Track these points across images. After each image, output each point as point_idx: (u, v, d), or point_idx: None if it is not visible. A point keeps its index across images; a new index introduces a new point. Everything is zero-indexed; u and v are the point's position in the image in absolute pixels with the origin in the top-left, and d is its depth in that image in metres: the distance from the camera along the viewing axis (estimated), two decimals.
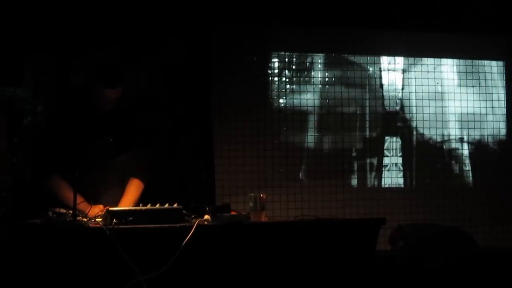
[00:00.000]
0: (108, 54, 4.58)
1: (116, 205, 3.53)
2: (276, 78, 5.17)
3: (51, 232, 2.86)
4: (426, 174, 5.38)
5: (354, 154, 5.23)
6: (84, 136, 3.50)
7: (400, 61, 5.40)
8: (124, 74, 3.64)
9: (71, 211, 3.02)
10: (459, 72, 5.48)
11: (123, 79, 3.59)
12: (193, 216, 3.19)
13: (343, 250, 3.22)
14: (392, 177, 5.32)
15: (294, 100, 5.18)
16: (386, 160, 5.32)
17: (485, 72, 5.53)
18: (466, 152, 5.45)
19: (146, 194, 3.73)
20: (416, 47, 5.40)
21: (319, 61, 5.25)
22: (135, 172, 3.74)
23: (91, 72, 3.70)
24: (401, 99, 5.38)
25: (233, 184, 4.95)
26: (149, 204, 3.17)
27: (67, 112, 3.67)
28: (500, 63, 5.56)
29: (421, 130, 5.41)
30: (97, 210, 3.38)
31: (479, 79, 5.51)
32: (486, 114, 5.51)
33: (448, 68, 5.47)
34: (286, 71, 5.19)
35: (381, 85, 5.35)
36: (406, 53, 5.40)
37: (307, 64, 5.23)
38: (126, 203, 3.61)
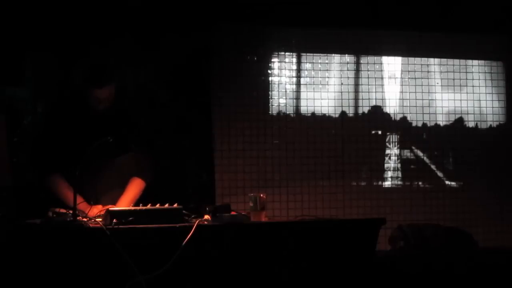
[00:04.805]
0: (107, 53, 4.57)
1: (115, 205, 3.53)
2: (276, 78, 5.17)
3: (51, 232, 2.86)
4: (427, 174, 5.38)
5: (354, 154, 5.22)
6: (81, 136, 3.50)
7: (400, 61, 5.40)
8: (112, 75, 3.61)
9: (71, 211, 3.02)
10: (459, 72, 5.48)
11: (111, 78, 3.57)
12: (193, 216, 3.18)
13: (343, 250, 3.22)
14: (392, 177, 5.32)
15: (294, 100, 5.18)
16: (386, 160, 5.32)
17: (485, 72, 5.53)
18: (466, 152, 5.44)
19: (146, 194, 3.73)
20: (415, 47, 5.40)
21: (319, 61, 5.25)
22: (136, 171, 3.74)
23: (80, 75, 3.68)
24: (401, 99, 5.38)
25: (233, 184, 4.95)
26: (149, 204, 3.17)
27: (63, 112, 3.67)
28: (500, 63, 5.56)
29: (421, 131, 5.41)
30: (96, 210, 3.39)
31: (479, 79, 5.51)
32: (486, 114, 5.51)
33: (448, 68, 5.47)
34: (286, 71, 5.20)
35: (381, 85, 5.36)
36: (406, 53, 5.40)
37: (307, 64, 5.23)
38: (125, 201, 3.61)
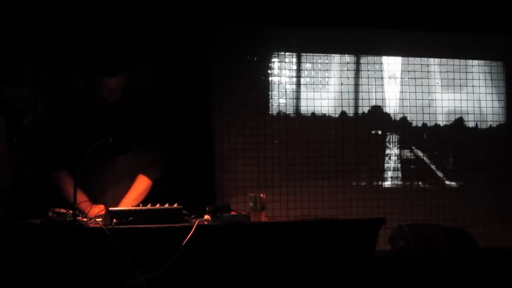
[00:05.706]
0: (107, 52, 4.57)
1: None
2: (276, 78, 5.17)
3: (51, 232, 2.86)
4: (427, 174, 5.38)
5: (354, 154, 5.22)
6: (89, 132, 3.51)
7: (400, 61, 5.40)
8: (121, 65, 3.59)
9: (71, 211, 3.02)
10: (459, 72, 5.48)
11: (121, 68, 3.57)
12: (193, 216, 3.19)
13: (343, 250, 3.22)
14: (392, 177, 5.32)
15: (294, 100, 5.18)
16: (386, 160, 5.32)
17: (485, 72, 5.53)
18: (466, 152, 5.44)
19: (149, 193, 3.72)
20: (415, 47, 5.40)
21: (319, 61, 5.25)
22: (142, 169, 3.74)
23: (90, 65, 3.67)
24: (401, 99, 5.38)
25: (233, 184, 4.95)
26: (149, 204, 3.17)
27: (71, 108, 3.68)
28: (500, 63, 5.56)
29: (421, 131, 5.41)
30: (97, 210, 3.38)
31: (479, 79, 5.52)
32: (486, 114, 5.51)
33: (448, 68, 5.47)
34: (286, 71, 5.20)
35: (381, 85, 5.36)
36: (406, 53, 5.40)
37: (307, 64, 5.23)
38: (129, 200, 3.61)
